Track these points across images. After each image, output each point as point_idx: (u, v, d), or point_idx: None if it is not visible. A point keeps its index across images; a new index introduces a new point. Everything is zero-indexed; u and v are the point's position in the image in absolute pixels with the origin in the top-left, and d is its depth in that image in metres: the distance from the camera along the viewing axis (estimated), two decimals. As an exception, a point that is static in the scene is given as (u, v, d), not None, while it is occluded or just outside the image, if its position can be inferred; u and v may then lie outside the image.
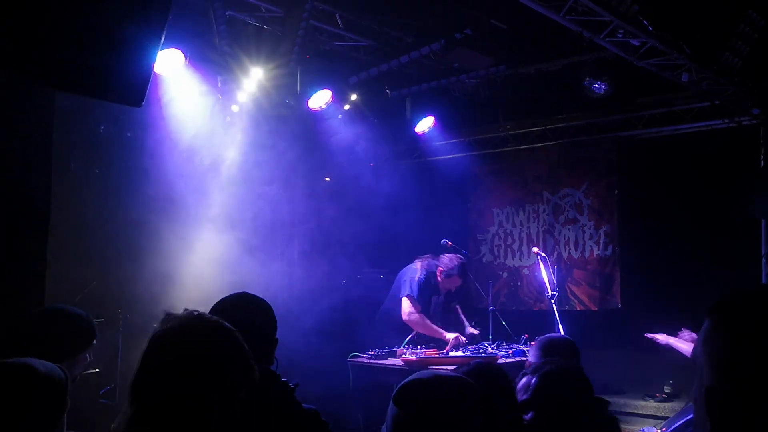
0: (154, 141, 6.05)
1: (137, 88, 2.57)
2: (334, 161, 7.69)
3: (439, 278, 6.26)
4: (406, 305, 6.08)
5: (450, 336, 5.96)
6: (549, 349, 3.07)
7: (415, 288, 6.12)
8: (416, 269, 6.27)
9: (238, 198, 6.68)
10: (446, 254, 6.35)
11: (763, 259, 7.21)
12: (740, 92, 6.43)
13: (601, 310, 8.11)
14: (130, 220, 6.05)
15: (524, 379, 2.59)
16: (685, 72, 5.72)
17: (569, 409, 2.48)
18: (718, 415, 1.07)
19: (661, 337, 4.65)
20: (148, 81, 2.60)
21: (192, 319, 1.76)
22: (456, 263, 6.23)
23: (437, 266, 6.26)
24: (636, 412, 7.19)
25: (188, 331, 1.74)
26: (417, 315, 6.04)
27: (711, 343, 1.11)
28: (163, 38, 2.58)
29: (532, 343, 3.88)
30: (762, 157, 7.13)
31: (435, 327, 6.06)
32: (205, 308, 2.50)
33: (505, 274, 8.90)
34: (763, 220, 7.15)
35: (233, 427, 2.34)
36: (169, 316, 1.76)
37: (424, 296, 6.20)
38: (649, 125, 7.82)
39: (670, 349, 4.57)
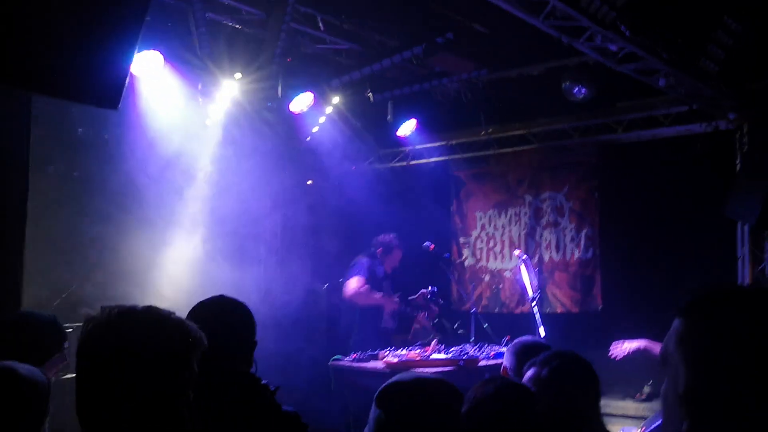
0: (132, 144, 6.00)
1: (113, 91, 2.55)
2: (315, 164, 7.68)
3: (381, 259, 6.53)
4: (351, 283, 6.36)
5: (389, 302, 6.41)
6: (523, 354, 3.05)
7: (363, 271, 6.40)
8: (360, 260, 6.58)
9: (219, 202, 6.65)
10: (375, 238, 6.65)
11: (739, 262, 7.30)
12: (717, 97, 6.51)
13: (582, 312, 8.17)
14: (109, 223, 6.00)
15: (532, 371, 2.58)
16: (663, 77, 5.79)
17: (579, 402, 2.48)
18: (698, 415, 1.07)
19: (628, 346, 4.65)
20: (124, 83, 2.58)
21: (114, 317, 1.62)
22: (390, 236, 6.60)
23: (375, 250, 6.55)
24: (616, 412, 7.24)
25: (114, 326, 1.61)
26: (361, 287, 6.30)
27: (688, 343, 1.11)
28: (139, 40, 2.55)
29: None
30: (738, 161, 7.23)
31: (377, 295, 6.39)
32: (183, 312, 2.48)
33: (487, 277, 8.94)
34: (738, 223, 7.24)
35: (212, 429, 2.33)
36: (89, 321, 1.63)
37: (372, 278, 6.44)
38: (629, 129, 7.88)
39: (642, 354, 4.57)
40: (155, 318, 1.66)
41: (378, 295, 6.40)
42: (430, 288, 6.63)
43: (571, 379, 2.48)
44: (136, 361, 1.58)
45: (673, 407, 1.13)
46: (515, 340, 3.24)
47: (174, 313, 1.71)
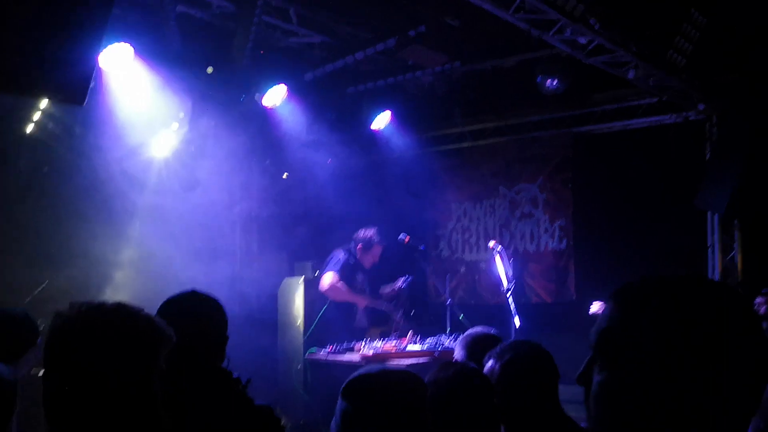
0: (103, 138, 5.94)
1: (79, 87, 2.52)
2: (290, 159, 7.66)
3: (359, 255, 6.47)
4: (327, 278, 6.29)
5: (365, 301, 6.39)
6: (473, 346, 3.08)
7: (338, 266, 6.34)
8: (338, 254, 6.51)
9: (190, 196, 6.60)
10: (358, 232, 6.56)
11: (709, 250, 7.43)
12: (686, 88, 6.61)
13: (556, 302, 8.25)
14: (80, 219, 5.94)
15: (490, 363, 2.61)
16: (632, 69, 5.86)
17: (533, 394, 2.51)
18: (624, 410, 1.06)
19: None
20: (90, 80, 2.56)
21: (83, 313, 1.62)
22: (371, 231, 6.48)
23: (355, 245, 6.48)
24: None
25: (83, 322, 1.61)
26: (337, 284, 6.24)
27: (611, 328, 1.10)
28: (104, 37, 2.53)
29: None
30: (707, 151, 7.35)
31: (356, 294, 6.36)
32: (154, 309, 2.48)
33: (463, 269, 8.99)
34: (708, 212, 7.37)
35: (184, 424, 2.34)
36: (58, 317, 1.62)
37: (347, 273, 6.38)
38: (601, 121, 7.97)
39: None
40: (124, 314, 1.66)
41: (352, 292, 6.35)
42: (403, 279, 6.59)
43: (524, 372, 2.51)
44: (105, 357, 1.59)
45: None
46: (465, 332, 3.26)
47: (143, 310, 1.72)
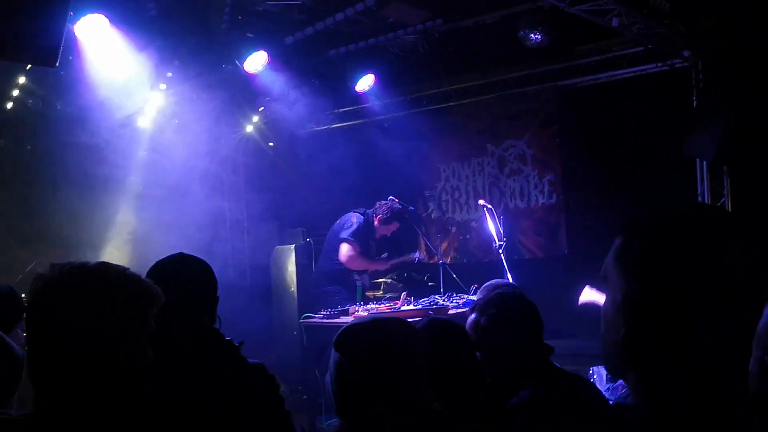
0: (84, 112, 5.85)
1: (50, 48, 2.47)
2: (274, 125, 7.58)
3: (377, 224, 6.50)
4: (344, 249, 6.30)
5: (383, 266, 6.55)
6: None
7: (353, 232, 6.33)
8: (351, 218, 6.48)
9: (175, 169, 6.54)
10: (381, 202, 6.56)
11: (699, 198, 7.45)
12: (671, 35, 6.55)
13: (548, 257, 8.29)
14: (66, 196, 5.88)
15: (473, 316, 2.62)
16: (616, 17, 5.80)
17: (519, 345, 2.53)
18: (633, 321, 1.12)
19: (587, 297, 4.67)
20: (61, 40, 2.50)
21: (65, 273, 1.56)
22: (397, 207, 6.51)
23: (374, 214, 6.50)
24: (588, 353, 7.39)
25: (66, 282, 1.55)
26: (356, 255, 6.28)
27: (626, 256, 1.16)
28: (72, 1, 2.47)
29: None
30: (694, 98, 7.32)
31: (374, 262, 6.50)
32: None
33: (454, 229, 9.01)
34: (698, 160, 7.37)
35: (179, 387, 2.33)
36: (39, 278, 1.56)
37: (363, 240, 6.40)
38: (586, 73, 7.91)
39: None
40: (108, 273, 1.61)
41: (369, 262, 6.46)
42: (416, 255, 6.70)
43: (509, 326, 2.52)
44: (90, 318, 1.54)
45: (612, 319, 1.17)
46: (489, 282, 3.31)
47: (128, 269, 1.67)
